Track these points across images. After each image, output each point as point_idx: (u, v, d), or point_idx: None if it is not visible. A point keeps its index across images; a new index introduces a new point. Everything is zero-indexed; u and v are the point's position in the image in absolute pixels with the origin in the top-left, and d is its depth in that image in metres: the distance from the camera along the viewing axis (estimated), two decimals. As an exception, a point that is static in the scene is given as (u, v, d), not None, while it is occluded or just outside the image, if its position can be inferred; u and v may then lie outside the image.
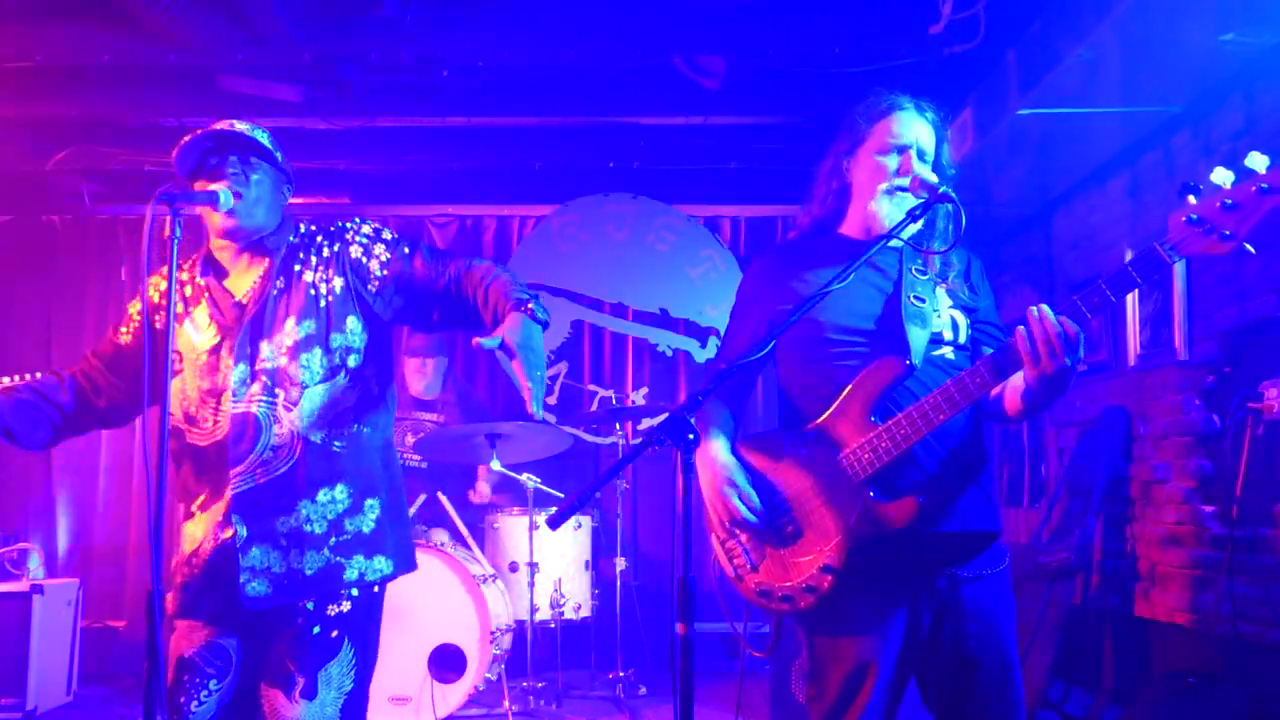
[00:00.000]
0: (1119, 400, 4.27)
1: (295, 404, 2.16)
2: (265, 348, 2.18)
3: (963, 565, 1.97)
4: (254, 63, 4.20)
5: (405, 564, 2.32)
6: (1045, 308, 1.74)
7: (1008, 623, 2.00)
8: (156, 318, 2.31)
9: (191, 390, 2.22)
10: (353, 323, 2.24)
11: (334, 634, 2.15)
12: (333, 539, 2.16)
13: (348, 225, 2.32)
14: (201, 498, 2.19)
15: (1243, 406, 3.35)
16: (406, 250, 2.29)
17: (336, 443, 2.19)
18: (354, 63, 4.24)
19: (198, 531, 2.18)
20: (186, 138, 2.21)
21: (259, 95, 4.35)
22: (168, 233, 1.97)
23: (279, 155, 2.28)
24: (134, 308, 2.37)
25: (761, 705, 4.06)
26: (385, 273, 2.26)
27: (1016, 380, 1.92)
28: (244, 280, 2.26)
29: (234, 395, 2.16)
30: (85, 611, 4.87)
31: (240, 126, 2.24)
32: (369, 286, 2.25)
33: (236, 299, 2.24)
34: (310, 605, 2.14)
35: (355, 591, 2.18)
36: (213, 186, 2.18)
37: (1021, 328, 1.76)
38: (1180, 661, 3.67)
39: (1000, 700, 1.96)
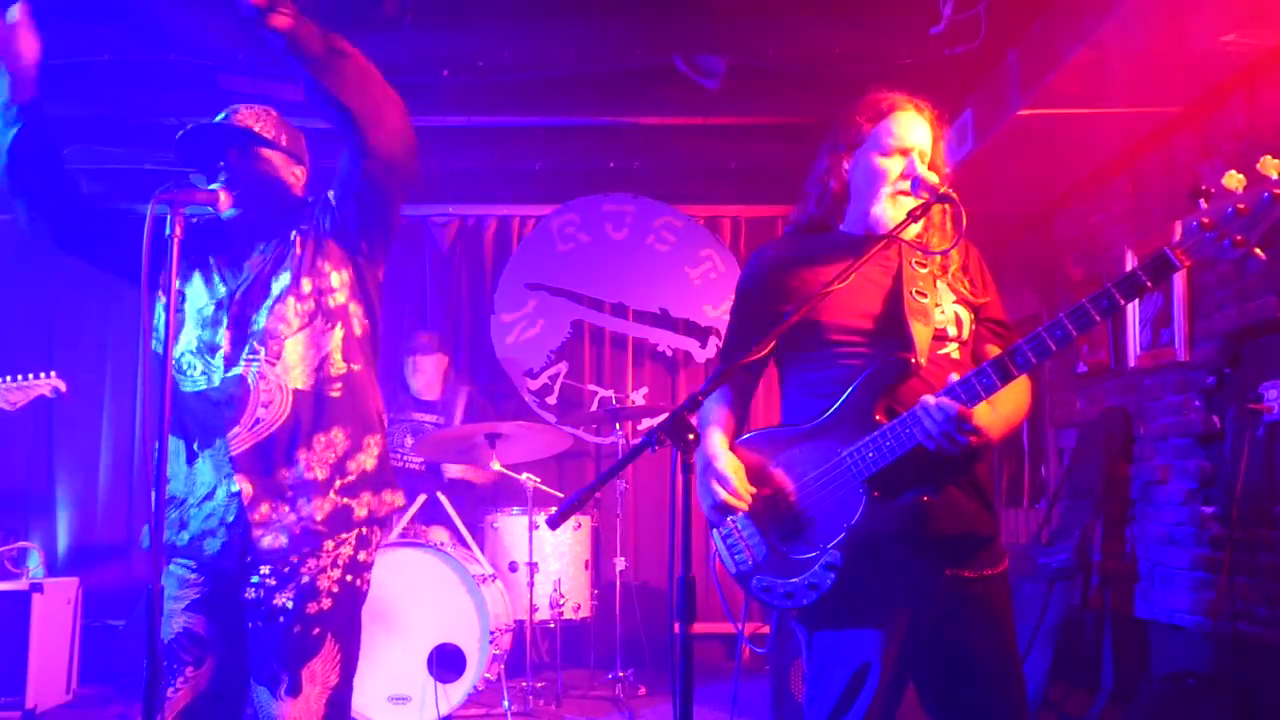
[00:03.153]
0: (1119, 400, 4.27)
1: (279, 357, 2.18)
2: (260, 314, 2.20)
3: (963, 566, 1.97)
4: (254, 63, 4.19)
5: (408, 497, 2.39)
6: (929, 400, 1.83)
7: (1008, 623, 2.00)
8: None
9: (191, 338, 2.22)
10: (323, 264, 2.23)
11: (316, 631, 2.15)
12: (337, 481, 2.19)
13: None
14: (196, 442, 2.20)
15: (1243, 407, 3.35)
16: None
17: (327, 387, 2.20)
18: (354, 62, 4.23)
19: (206, 475, 2.18)
20: (187, 126, 2.21)
21: (259, 95, 4.34)
22: (168, 232, 1.97)
23: (284, 139, 2.28)
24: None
25: (761, 705, 4.06)
26: (333, 196, 2.24)
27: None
28: (251, 246, 2.28)
29: (227, 358, 2.18)
30: (85, 610, 4.86)
31: (244, 115, 2.25)
32: (328, 221, 2.24)
33: (248, 265, 2.26)
34: (290, 604, 2.14)
35: (324, 602, 2.16)
36: (212, 186, 2.19)
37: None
38: (1180, 661, 3.67)
39: (1000, 701, 1.96)
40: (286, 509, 2.15)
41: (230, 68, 4.26)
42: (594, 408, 5.75)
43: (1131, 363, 4.17)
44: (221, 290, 2.23)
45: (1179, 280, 3.80)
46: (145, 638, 1.85)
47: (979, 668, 1.96)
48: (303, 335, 2.19)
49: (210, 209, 2.15)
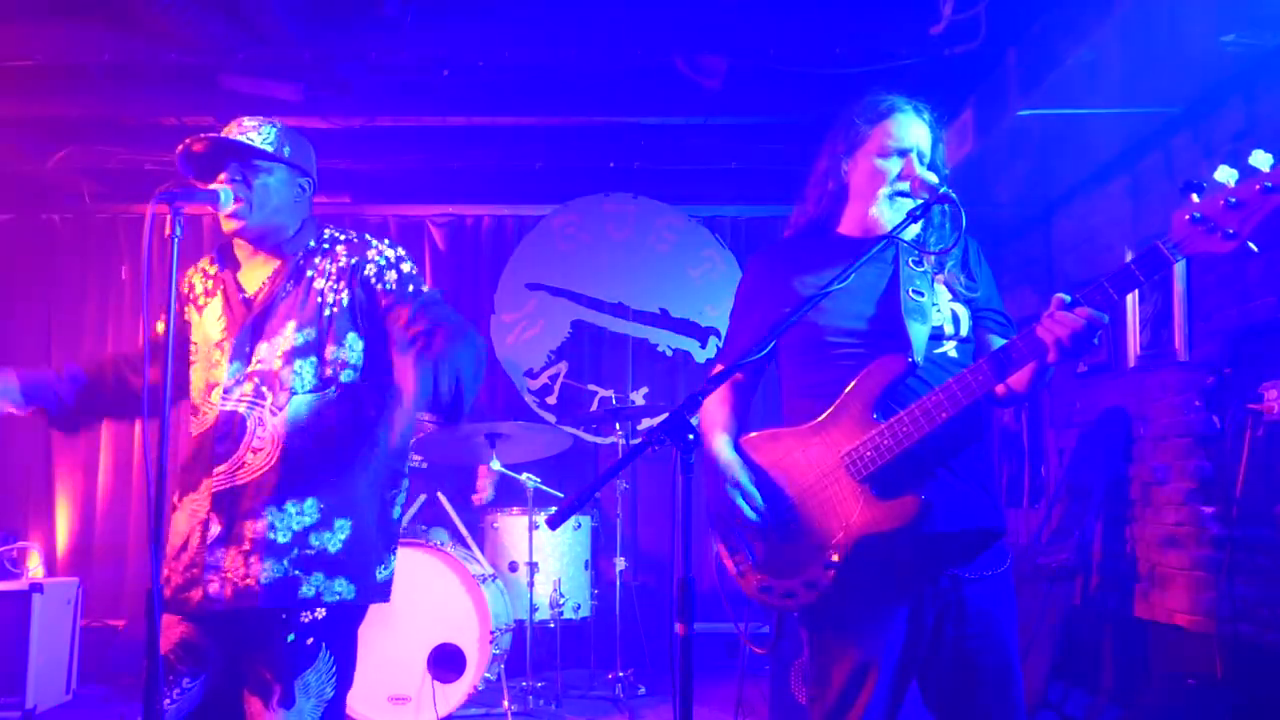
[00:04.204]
0: (1119, 401, 4.27)
1: (281, 409, 2.15)
2: (263, 348, 2.18)
3: (965, 566, 1.97)
4: (254, 62, 4.20)
5: (372, 593, 2.21)
6: (1061, 312, 1.75)
7: (1009, 624, 2.00)
8: (188, 309, 2.33)
9: (199, 381, 2.22)
10: (353, 339, 2.21)
11: (309, 641, 2.12)
12: (294, 551, 2.12)
13: (373, 243, 2.29)
14: (188, 490, 2.19)
15: (1243, 407, 3.35)
16: (410, 290, 2.24)
17: (316, 454, 2.15)
18: (354, 62, 4.24)
19: (182, 525, 2.17)
20: (186, 141, 2.19)
21: (259, 95, 4.35)
22: (168, 232, 1.96)
23: (287, 150, 2.25)
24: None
25: (761, 705, 4.06)
26: (384, 301, 2.23)
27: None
28: (256, 276, 2.26)
29: (225, 392, 2.16)
30: (85, 610, 4.86)
31: (245, 127, 2.23)
32: (373, 304, 2.23)
33: (246, 295, 2.24)
34: (284, 614, 2.11)
35: (318, 611, 2.13)
36: (213, 186, 2.18)
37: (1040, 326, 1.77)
38: (1180, 662, 3.67)
39: (1001, 701, 1.95)
40: (239, 561, 2.10)
41: (230, 68, 4.26)
42: (594, 408, 5.76)
43: (1131, 363, 4.17)
44: (226, 329, 2.23)
45: (1179, 280, 3.80)
46: (145, 638, 1.85)
47: (980, 669, 1.95)
48: (311, 398, 2.17)
49: (210, 209, 2.14)
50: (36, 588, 4.41)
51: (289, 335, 2.18)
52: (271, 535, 2.10)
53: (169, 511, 2.22)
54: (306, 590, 2.11)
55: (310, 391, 2.17)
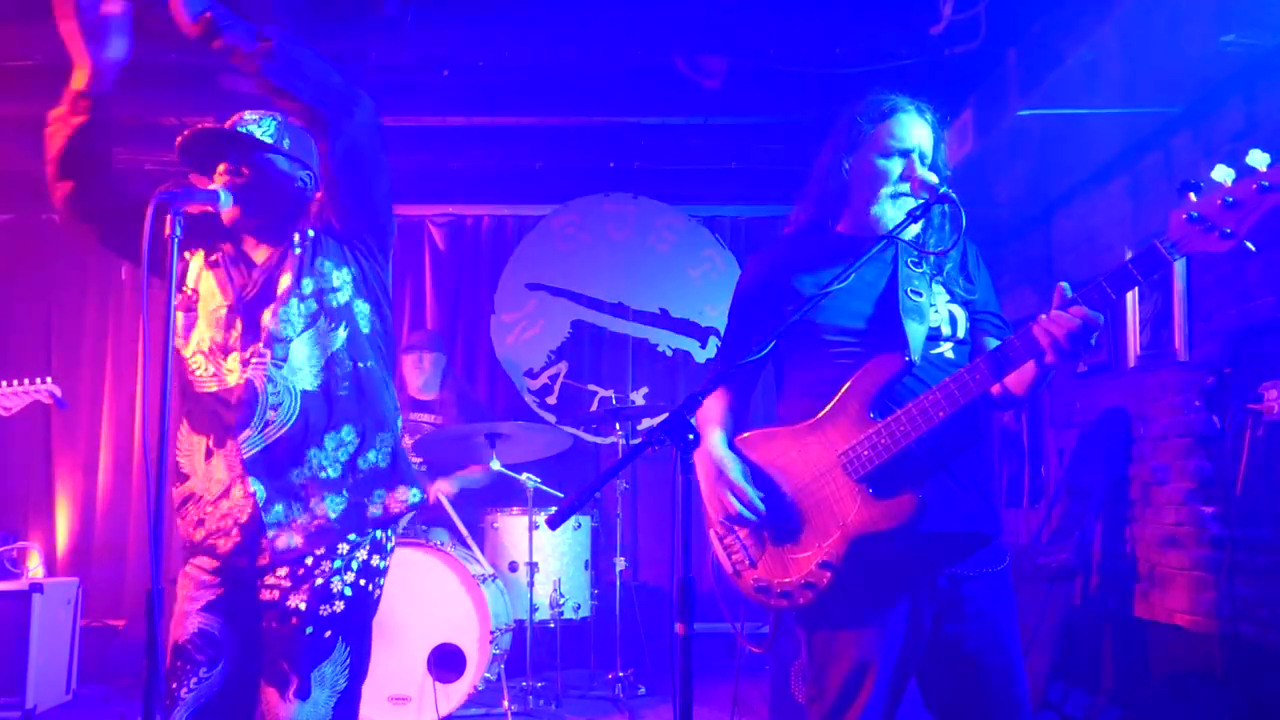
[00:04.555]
0: (1119, 401, 4.27)
1: (285, 359, 2.18)
2: (266, 314, 2.21)
3: (963, 564, 1.97)
4: (254, 62, 4.19)
5: (425, 494, 2.38)
6: (1056, 311, 1.75)
7: (1009, 622, 2.00)
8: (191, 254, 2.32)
9: (204, 338, 2.23)
10: (323, 264, 2.23)
11: (327, 634, 2.15)
12: (350, 479, 2.20)
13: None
14: (212, 439, 2.21)
15: (1243, 407, 3.35)
16: None
17: (335, 386, 2.20)
18: (354, 62, 4.23)
19: (221, 473, 2.19)
20: (185, 132, 2.20)
21: (259, 95, 4.34)
22: (168, 232, 1.97)
23: (286, 143, 2.26)
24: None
25: (760, 705, 4.06)
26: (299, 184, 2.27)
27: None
28: (258, 246, 2.29)
29: (241, 360, 2.19)
30: (85, 610, 4.87)
31: (246, 120, 2.25)
32: (320, 217, 2.25)
33: (256, 264, 2.27)
34: (303, 605, 2.14)
35: (337, 605, 2.17)
36: (212, 186, 2.19)
37: (1037, 325, 1.77)
38: (1180, 662, 3.67)
39: (1003, 700, 1.95)
40: (300, 509, 2.17)
41: (230, 68, 4.25)
42: (594, 408, 5.76)
43: (1131, 363, 4.18)
44: (230, 292, 2.24)
45: (1179, 280, 3.80)
46: (145, 638, 1.85)
47: (980, 668, 1.96)
48: (308, 336, 2.20)
49: (210, 209, 2.15)
50: (36, 588, 4.41)
51: (280, 293, 2.21)
52: (323, 474, 2.18)
53: (203, 457, 2.22)
54: (374, 509, 2.22)
55: (304, 330, 2.20)
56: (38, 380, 3.49)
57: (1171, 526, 3.82)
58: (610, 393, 5.73)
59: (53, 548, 5.61)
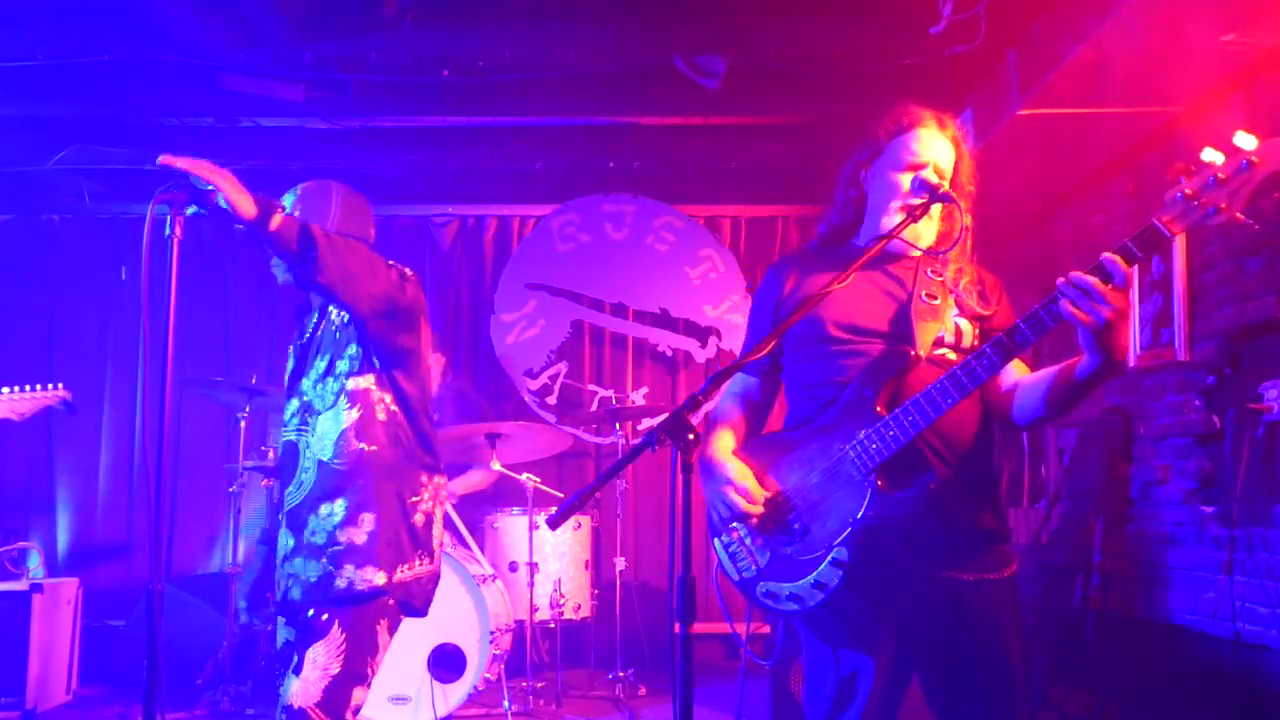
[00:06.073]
0: (1119, 400, 4.27)
1: (313, 430, 2.40)
2: (304, 382, 2.45)
3: (962, 568, 1.96)
4: (254, 63, 4.20)
5: (397, 589, 2.39)
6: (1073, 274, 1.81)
7: (1011, 627, 1.99)
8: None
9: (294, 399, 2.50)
10: (353, 349, 2.41)
11: (324, 617, 2.30)
12: (330, 549, 2.34)
13: None
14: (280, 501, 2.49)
15: (1243, 407, 3.35)
16: None
17: (338, 461, 2.37)
18: (354, 63, 4.24)
19: (285, 539, 2.43)
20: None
21: (259, 95, 4.35)
22: (168, 232, 1.97)
23: (297, 211, 2.47)
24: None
25: (761, 705, 4.06)
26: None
27: (1034, 379, 1.95)
28: (309, 319, 2.53)
29: (285, 424, 2.46)
30: (85, 611, 4.86)
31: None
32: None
33: (304, 336, 2.51)
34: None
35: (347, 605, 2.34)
36: (210, 186, 2.18)
37: (1062, 297, 1.82)
38: (1180, 662, 3.67)
39: (1002, 703, 1.95)
40: (302, 566, 2.37)
41: (230, 68, 4.26)
42: (594, 408, 5.75)
43: (1131, 363, 4.18)
44: (291, 364, 2.52)
45: (1179, 280, 3.80)
46: (146, 638, 1.85)
47: (978, 674, 1.95)
48: (331, 413, 2.40)
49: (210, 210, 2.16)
50: (36, 588, 4.41)
51: (316, 364, 2.44)
52: (313, 539, 2.36)
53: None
54: (340, 582, 2.32)
55: (329, 408, 2.39)
56: (49, 386, 3.51)
57: (1171, 526, 3.82)
58: (610, 393, 5.73)
59: (53, 548, 5.61)
